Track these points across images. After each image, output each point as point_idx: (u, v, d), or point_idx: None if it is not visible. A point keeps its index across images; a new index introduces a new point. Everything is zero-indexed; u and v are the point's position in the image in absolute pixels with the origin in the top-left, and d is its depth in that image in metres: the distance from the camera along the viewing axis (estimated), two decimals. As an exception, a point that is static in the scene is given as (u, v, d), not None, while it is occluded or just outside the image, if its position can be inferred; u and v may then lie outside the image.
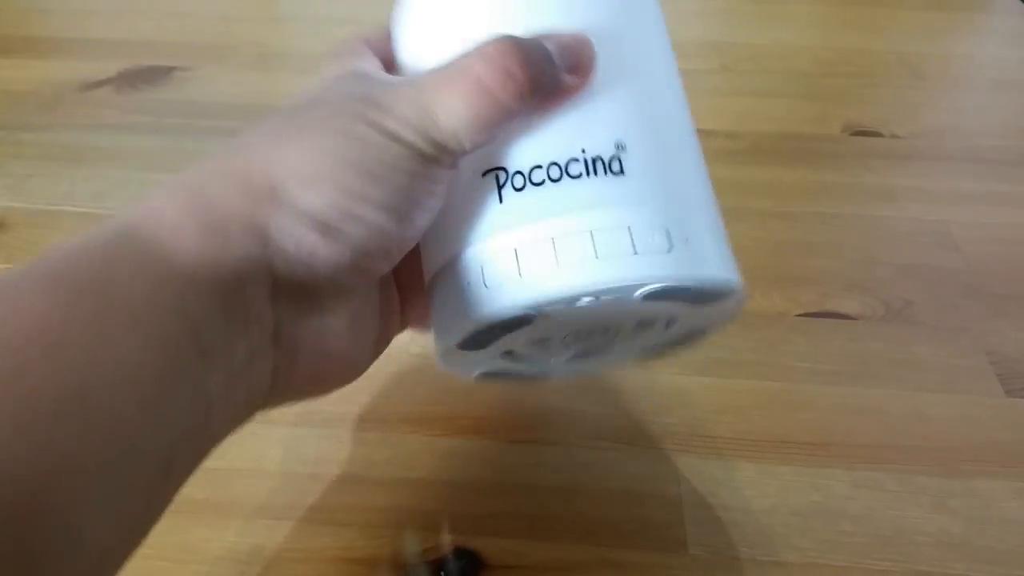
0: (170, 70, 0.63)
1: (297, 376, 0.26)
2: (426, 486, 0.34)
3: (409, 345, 0.40)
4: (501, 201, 0.27)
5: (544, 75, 0.25)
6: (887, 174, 0.54)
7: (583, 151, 0.26)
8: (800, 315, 0.43)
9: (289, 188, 0.23)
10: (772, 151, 0.56)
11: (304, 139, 0.24)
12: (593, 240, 0.26)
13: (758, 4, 0.77)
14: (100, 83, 0.62)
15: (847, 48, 0.70)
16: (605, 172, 0.26)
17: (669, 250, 0.27)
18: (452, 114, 0.24)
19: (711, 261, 0.28)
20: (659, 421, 0.37)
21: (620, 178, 0.26)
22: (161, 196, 0.24)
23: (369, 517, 0.33)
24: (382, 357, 0.40)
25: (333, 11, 0.75)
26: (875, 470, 0.35)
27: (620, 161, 0.26)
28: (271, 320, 0.24)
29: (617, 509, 0.34)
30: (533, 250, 0.26)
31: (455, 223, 0.27)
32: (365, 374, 0.39)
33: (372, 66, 0.28)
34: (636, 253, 0.26)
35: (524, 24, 0.26)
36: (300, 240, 0.23)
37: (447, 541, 0.33)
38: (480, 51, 0.25)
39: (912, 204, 0.51)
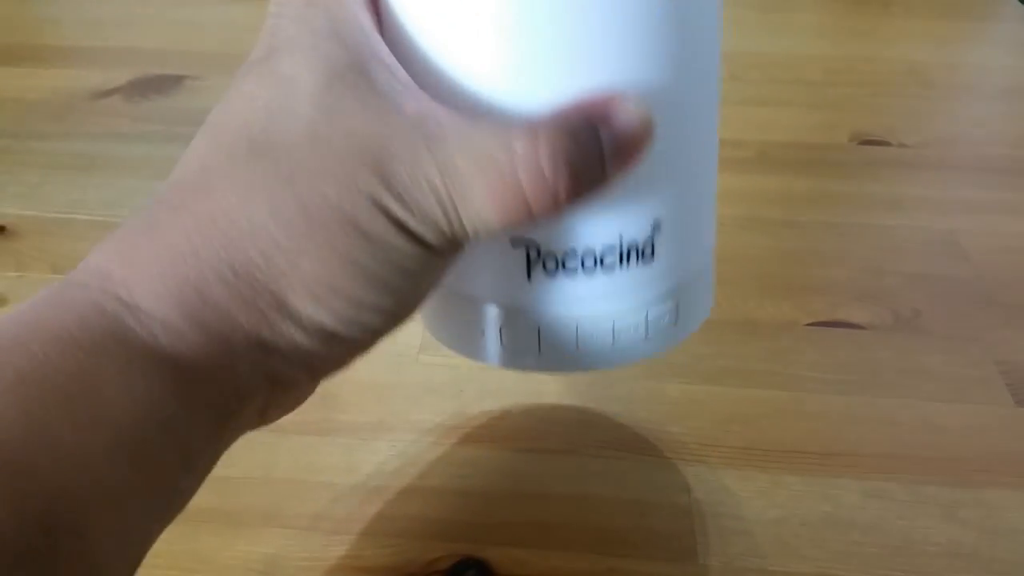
0: (180, 79, 0.64)
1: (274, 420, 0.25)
2: (435, 495, 0.35)
3: (420, 355, 0.41)
4: (529, 279, 0.26)
5: (590, 181, 0.22)
6: (895, 183, 0.54)
7: (620, 237, 0.26)
8: (809, 324, 0.43)
9: (299, 301, 0.21)
10: (780, 160, 0.56)
11: (316, 233, 0.21)
12: (614, 331, 0.27)
13: (766, 14, 0.77)
14: (111, 92, 0.62)
15: (855, 57, 0.70)
16: (638, 260, 0.26)
17: (675, 323, 0.28)
18: (480, 217, 0.21)
19: (702, 311, 0.30)
20: (669, 430, 0.37)
21: (649, 264, 0.26)
22: (151, 276, 0.21)
23: (379, 526, 0.33)
24: (393, 367, 0.40)
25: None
26: (885, 480, 0.35)
27: (653, 244, 0.26)
28: (261, 415, 0.23)
29: (627, 518, 0.34)
30: (555, 332, 0.27)
31: (474, 269, 0.26)
32: (376, 383, 0.39)
33: (354, 3, 0.23)
34: (647, 338, 0.28)
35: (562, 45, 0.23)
36: (305, 350, 0.22)
37: (456, 550, 0.33)
38: (527, 152, 0.21)
39: (921, 213, 0.51)
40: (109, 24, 0.73)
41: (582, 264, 0.25)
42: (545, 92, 0.23)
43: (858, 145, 0.58)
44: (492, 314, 0.27)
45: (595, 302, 0.26)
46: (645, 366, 0.40)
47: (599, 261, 0.26)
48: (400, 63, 0.23)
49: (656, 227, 0.26)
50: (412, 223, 0.21)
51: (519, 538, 0.33)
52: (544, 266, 0.26)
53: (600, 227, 0.25)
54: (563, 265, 0.26)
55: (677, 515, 0.34)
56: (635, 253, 0.26)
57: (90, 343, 0.20)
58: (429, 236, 0.22)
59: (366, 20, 0.23)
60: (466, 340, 0.29)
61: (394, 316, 0.23)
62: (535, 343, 0.27)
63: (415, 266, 0.22)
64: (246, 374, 0.21)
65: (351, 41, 0.22)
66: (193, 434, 0.21)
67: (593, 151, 0.22)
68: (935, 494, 0.35)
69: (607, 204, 0.24)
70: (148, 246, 0.21)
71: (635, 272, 0.26)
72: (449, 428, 0.37)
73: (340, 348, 0.23)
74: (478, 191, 0.21)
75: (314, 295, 0.21)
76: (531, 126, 0.21)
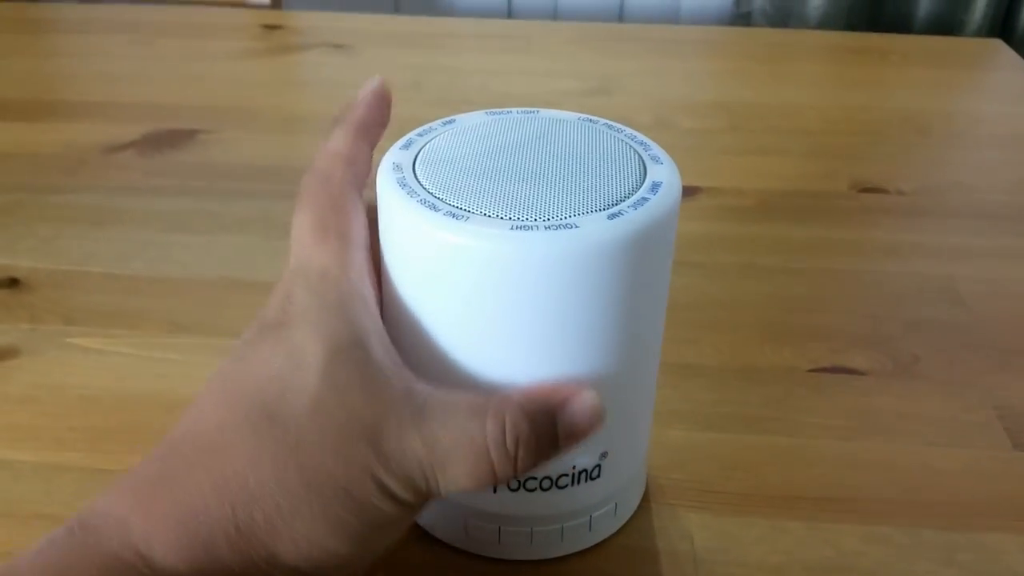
0: (193, 133, 0.65)
1: None
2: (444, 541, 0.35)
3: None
4: (495, 492, 0.31)
5: (545, 457, 0.27)
6: (894, 230, 0.55)
7: (573, 467, 0.31)
8: (810, 370, 0.43)
9: (287, 554, 0.24)
10: (780, 208, 0.57)
11: (313, 499, 0.24)
12: (563, 530, 0.32)
13: (766, 64, 0.79)
14: (124, 146, 0.63)
15: (853, 106, 0.71)
16: (586, 480, 0.31)
17: (615, 515, 0.34)
18: (454, 483, 0.26)
19: (636, 499, 0.36)
20: (671, 476, 0.37)
21: (595, 481, 0.32)
22: (166, 531, 0.24)
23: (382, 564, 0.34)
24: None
25: (349, 76, 0.77)
26: (885, 524, 0.36)
27: (600, 467, 0.31)
28: None
29: (630, 566, 0.34)
30: (513, 531, 0.32)
31: None
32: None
33: (360, 283, 0.28)
34: (591, 531, 0.33)
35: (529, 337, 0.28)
36: None
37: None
38: (496, 434, 0.25)
39: (918, 260, 0.52)
40: (122, 79, 0.75)
41: (540, 485, 0.31)
42: (512, 373, 0.28)
43: (857, 193, 0.59)
44: (460, 512, 0.33)
45: (548, 510, 0.32)
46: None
47: (554, 483, 0.31)
48: (392, 335, 0.28)
49: (603, 456, 0.31)
50: (397, 489, 0.25)
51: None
52: (508, 486, 0.31)
53: (557, 461, 0.28)
54: (524, 486, 0.31)
55: (680, 562, 0.34)
56: (584, 476, 0.31)
57: None
58: (408, 497, 0.25)
59: (370, 297, 0.28)
60: (436, 525, 0.34)
61: (360, 559, 0.26)
62: (495, 537, 0.33)
63: (389, 522, 0.26)
64: None
65: (355, 317, 0.27)
66: None
67: (549, 435, 0.26)
68: (934, 538, 0.35)
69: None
70: (165, 499, 0.24)
71: (583, 488, 0.31)
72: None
73: None
74: (456, 463, 0.25)
75: (300, 549, 0.24)
76: (500, 408, 0.26)
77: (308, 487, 0.24)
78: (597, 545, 0.34)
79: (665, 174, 0.29)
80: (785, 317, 0.47)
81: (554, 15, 1.59)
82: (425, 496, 0.26)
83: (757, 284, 0.50)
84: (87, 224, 0.54)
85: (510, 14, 1.61)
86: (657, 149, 0.31)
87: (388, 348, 0.27)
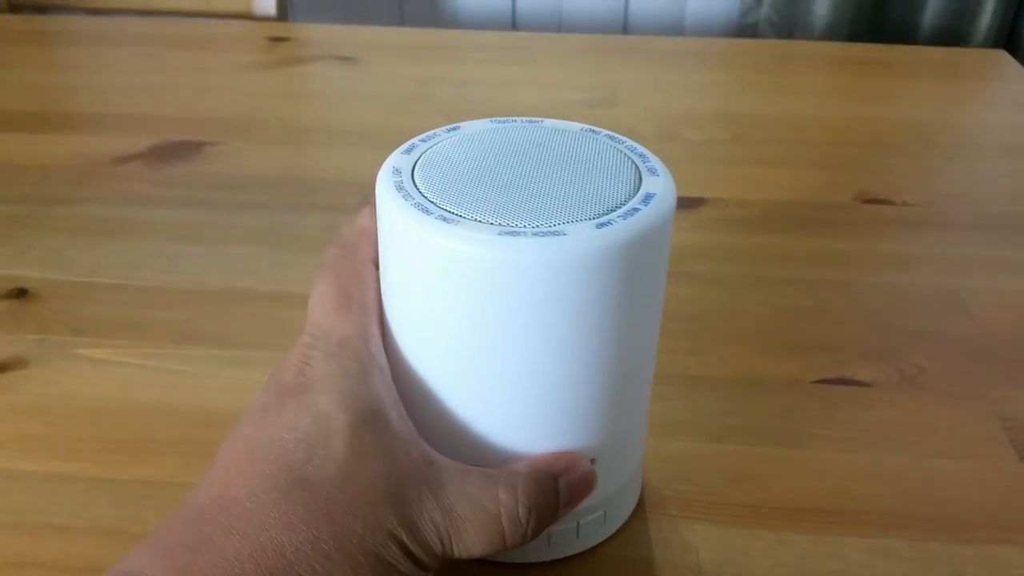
0: (199, 145, 0.65)
1: None
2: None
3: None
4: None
5: (549, 522, 0.29)
6: (899, 241, 0.55)
7: None
8: (815, 382, 0.43)
9: None
10: (784, 219, 0.57)
11: (344, 561, 0.25)
12: (549, 538, 0.33)
13: (770, 75, 0.79)
14: (131, 157, 0.64)
15: (857, 117, 0.71)
16: None
17: (603, 524, 0.34)
18: (467, 549, 0.28)
19: (628, 509, 0.36)
20: (676, 488, 0.37)
21: None
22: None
23: None
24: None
25: (355, 87, 0.77)
26: (892, 537, 0.35)
27: None
28: None
29: (634, 576, 0.34)
30: None
31: None
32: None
33: (378, 353, 0.30)
34: (578, 537, 0.33)
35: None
36: None
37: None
38: (509, 504, 0.28)
39: (924, 271, 0.52)
40: (130, 91, 0.75)
41: None
42: (499, 375, 0.29)
43: (861, 204, 0.59)
44: None
45: None
46: (651, 424, 0.41)
47: None
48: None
49: (591, 463, 0.31)
50: (417, 551, 0.27)
51: (530, 597, 0.33)
52: None
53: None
54: None
55: (685, 574, 0.34)
56: None
57: None
58: (427, 560, 0.27)
59: (385, 366, 0.30)
60: None
61: None
62: None
63: None
64: None
65: (375, 387, 0.29)
66: None
67: (554, 502, 0.29)
68: (941, 551, 0.35)
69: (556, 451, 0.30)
70: (203, 567, 0.25)
71: None
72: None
73: None
74: (470, 531, 0.27)
75: None
76: (511, 479, 0.28)
77: (340, 550, 0.25)
78: (595, 556, 0.34)
79: (660, 186, 0.29)
80: (790, 328, 0.47)
81: (559, 27, 1.60)
82: (441, 558, 0.28)
83: (762, 295, 0.50)
84: (95, 235, 0.55)
85: (515, 26, 1.61)
86: (655, 161, 0.31)
87: (404, 417, 0.29)
